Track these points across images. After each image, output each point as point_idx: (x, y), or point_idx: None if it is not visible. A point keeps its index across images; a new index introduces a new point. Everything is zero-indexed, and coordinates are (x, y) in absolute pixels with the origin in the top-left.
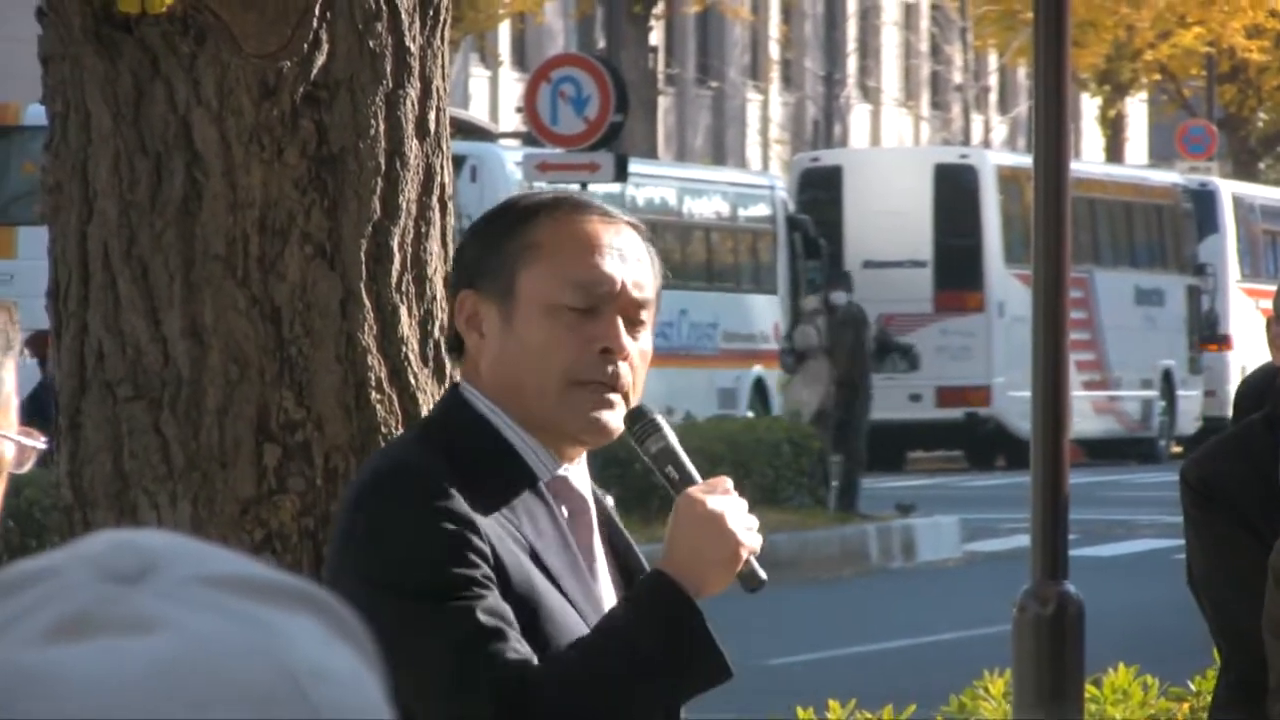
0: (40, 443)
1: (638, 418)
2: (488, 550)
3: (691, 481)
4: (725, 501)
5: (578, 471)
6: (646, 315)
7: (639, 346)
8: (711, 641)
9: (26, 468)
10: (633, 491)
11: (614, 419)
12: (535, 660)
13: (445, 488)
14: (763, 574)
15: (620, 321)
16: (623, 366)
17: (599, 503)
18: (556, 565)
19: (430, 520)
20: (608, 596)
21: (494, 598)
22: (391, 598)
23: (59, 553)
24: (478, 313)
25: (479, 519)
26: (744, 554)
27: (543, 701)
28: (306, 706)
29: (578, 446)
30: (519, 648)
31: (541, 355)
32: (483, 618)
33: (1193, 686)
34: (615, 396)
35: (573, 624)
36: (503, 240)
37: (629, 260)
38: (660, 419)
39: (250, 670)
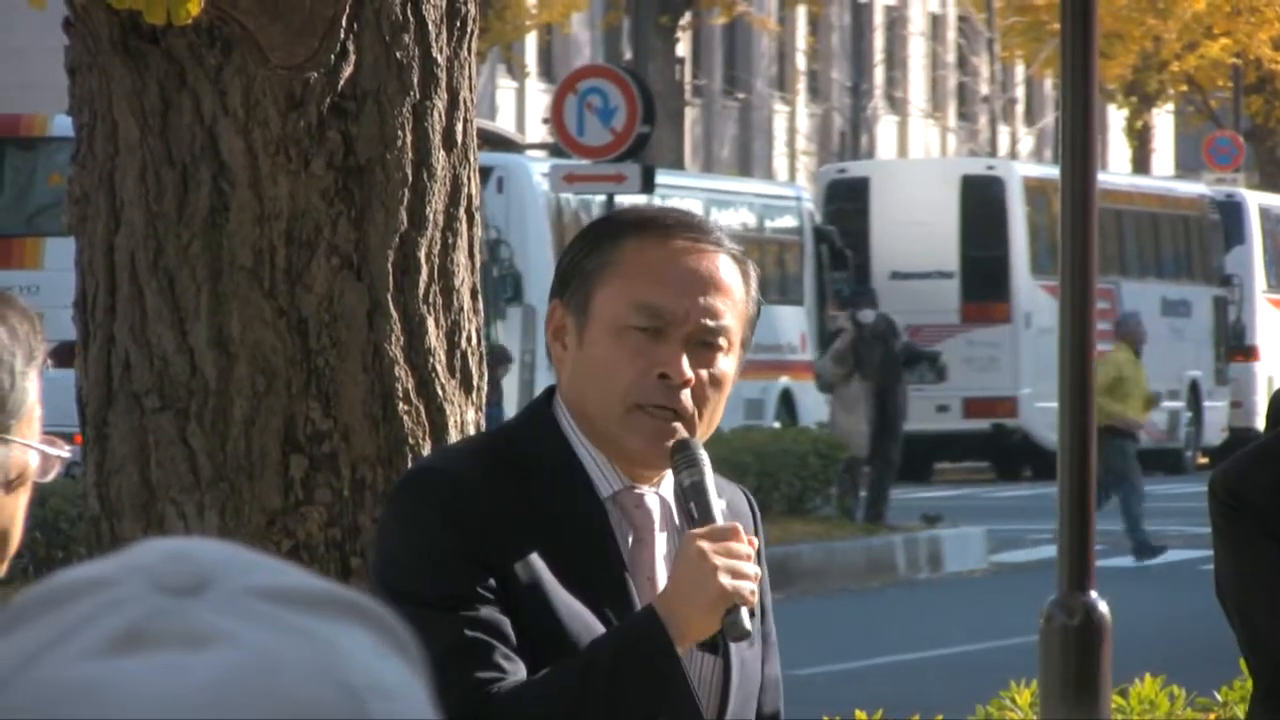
0: (64, 452)
1: (681, 449)
2: (500, 561)
3: (710, 520)
4: (721, 547)
5: (654, 494)
6: (724, 341)
7: (712, 372)
8: (682, 681)
9: (51, 477)
10: None
11: (670, 439)
12: (518, 677)
13: (468, 495)
14: (747, 625)
15: (685, 348)
16: (684, 393)
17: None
18: (598, 587)
19: (438, 527)
20: None
21: (489, 610)
22: (389, 595)
23: (110, 562)
24: (564, 325)
25: (501, 529)
26: (726, 601)
27: None
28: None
29: (646, 469)
30: (503, 664)
31: (606, 375)
32: (468, 631)
33: (1219, 697)
34: (677, 424)
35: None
36: (588, 255)
37: (707, 286)
38: (703, 455)
39: (310, 686)
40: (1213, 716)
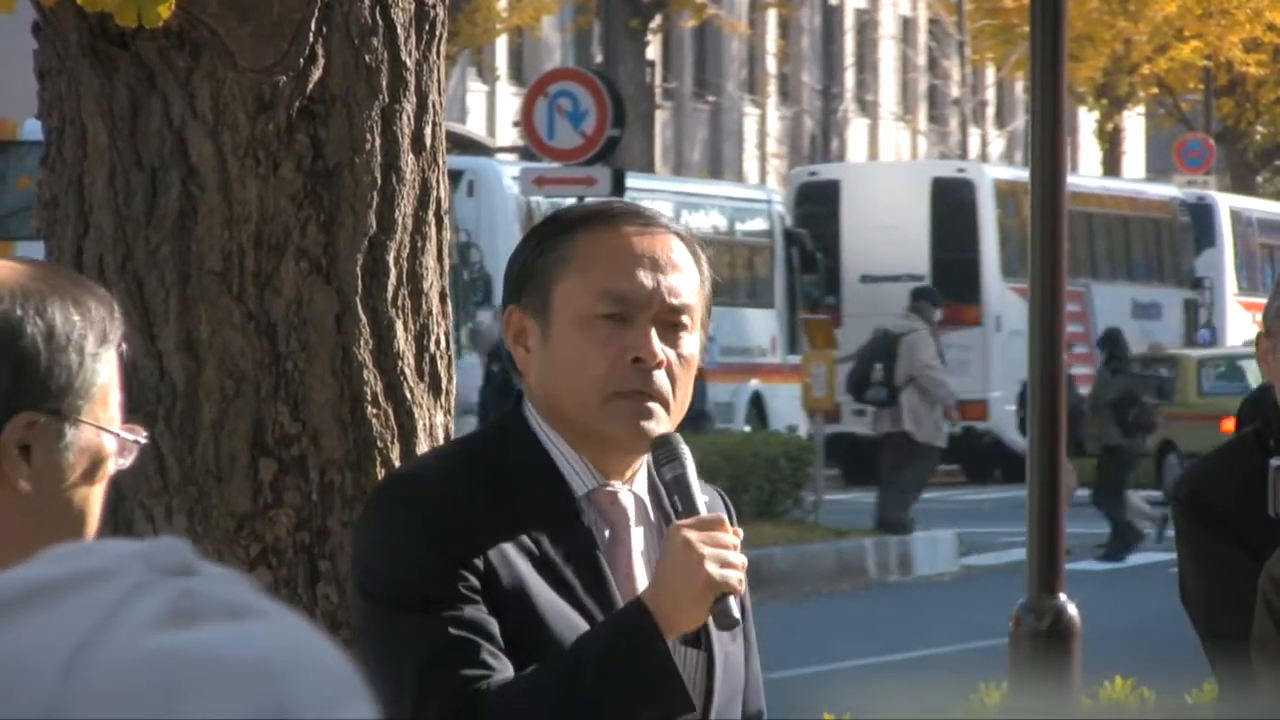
0: (141, 436)
1: (662, 444)
2: (480, 563)
3: (693, 513)
4: (708, 536)
5: (627, 490)
6: (687, 320)
7: (680, 352)
8: (673, 673)
9: (129, 461)
10: None
11: (656, 426)
12: (505, 674)
13: (447, 497)
14: (736, 614)
15: (653, 330)
16: (658, 374)
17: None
18: (577, 584)
19: (416, 531)
20: None
21: (474, 611)
22: (374, 603)
23: (88, 558)
24: (524, 328)
25: (480, 531)
26: (714, 589)
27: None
28: (357, 679)
29: (625, 459)
30: (490, 661)
31: (577, 368)
32: (453, 631)
33: (1189, 699)
34: (655, 405)
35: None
36: (541, 255)
37: (664, 267)
38: (684, 449)
39: (328, 644)
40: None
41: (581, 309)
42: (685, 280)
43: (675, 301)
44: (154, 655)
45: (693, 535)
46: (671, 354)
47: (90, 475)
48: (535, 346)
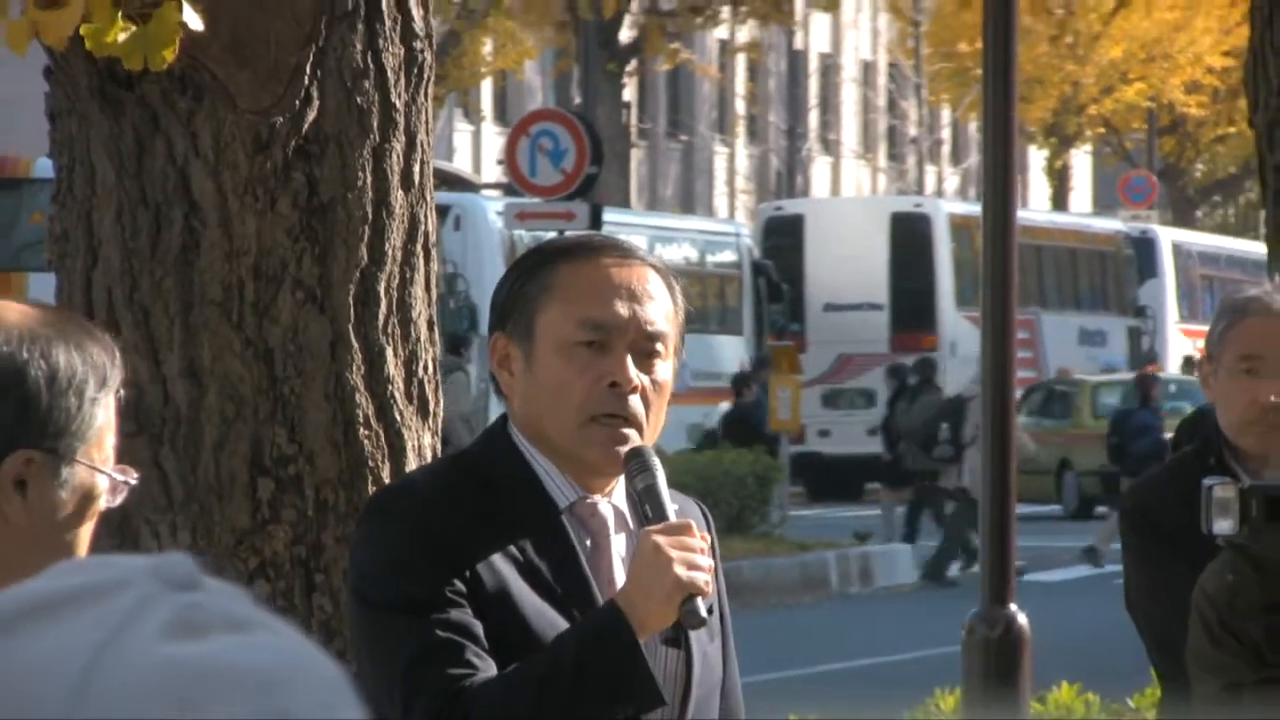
0: (133, 478)
1: (634, 456)
2: (467, 569)
3: (663, 519)
4: (676, 541)
5: (606, 502)
6: (661, 348)
7: (654, 378)
8: (644, 669)
9: (119, 500)
10: None
11: (624, 447)
12: (489, 673)
13: (435, 508)
14: (703, 613)
15: (629, 357)
16: (633, 399)
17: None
18: (560, 589)
19: (407, 537)
20: None
21: (460, 614)
22: (365, 606)
23: (100, 570)
24: (508, 354)
25: (466, 539)
26: (682, 590)
27: (475, 715)
28: (350, 686)
29: (602, 477)
30: (475, 661)
31: (558, 392)
32: (440, 633)
33: (1131, 703)
34: (629, 430)
35: None
36: (525, 284)
37: (640, 297)
38: (654, 460)
39: (325, 658)
40: None
41: (562, 336)
42: (659, 309)
43: (650, 329)
44: (166, 664)
45: (662, 540)
46: (646, 379)
47: (82, 512)
48: (519, 371)
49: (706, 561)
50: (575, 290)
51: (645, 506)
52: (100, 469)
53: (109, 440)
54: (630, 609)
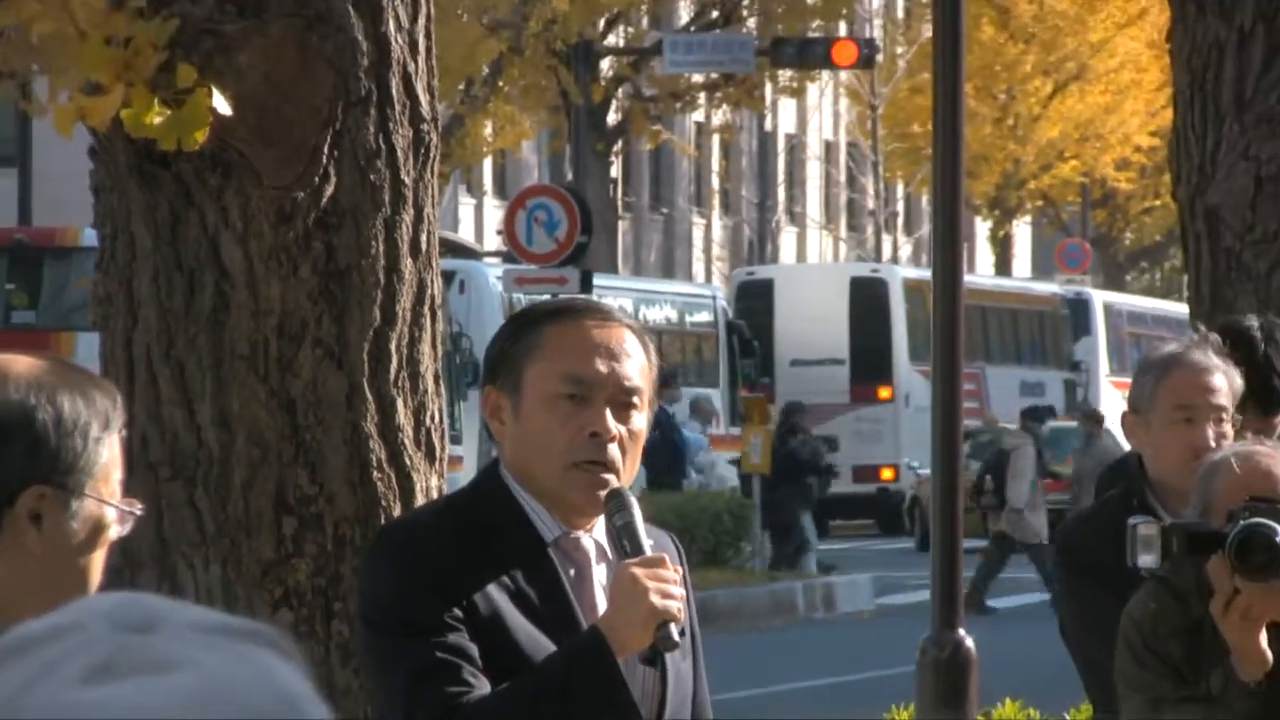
0: (138, 509)
1: (614, 496)
2: (463, 597)
3: (640, 554)
4: (652, 573)
5: (589, 536)
6: (637, 400)
7: (630, 428)
8: (623, 686)
9: (127, 529)
10: None
11: (603, 490)
12: (484, 691)
13: (435, 542)
14: (676, 638)
15: (608, 409)
16: (611, 447)
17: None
18: (548, 614)
19: (408, 570)
20: None
21: (457, 637)
22: (371, 632)
23: (69, 612)
24: (499, 405)
25: (462, 569)
26: (657, 617)
27: None
28: None
29: (584, 516)
30: (471, 680)
31: (545, 441)
32: (439, 654)
33: (1069, 717)
34: (608, 475)
35: None
36: (515, 343)
37: (618, 355)
38: (631, 500)
39: (260, 696)
40: None
41: (548, 390)
42: (635, 366)
43: (627, 384)
44: (65, 707)
45: (639, 572)
46: (623, 429)
47: (92, 541)
48: (509, 420)
49: (679, 591)
50: (560, 349)
51: (624, 541)
52: (107, 501)
53: (115, 475)
54: (611, 633)
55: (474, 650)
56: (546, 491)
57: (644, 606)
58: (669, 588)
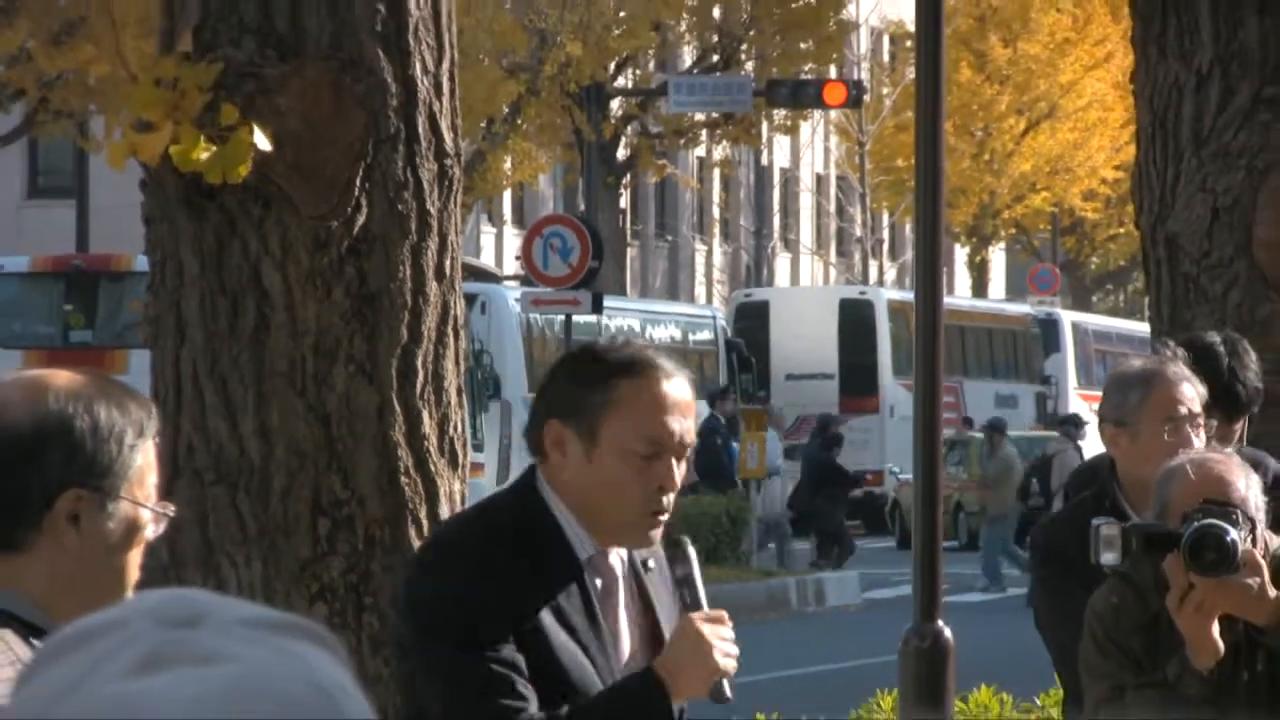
0: (170, 511)
1: (675, 545)
2: (512, 611)
3: (699, 606)
4: (715, 630)
5: (615, 554)
6: (690, 452)
7: (682, 472)
8: None
9: (161, 530)
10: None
11: (659, 534)
12: (534, 704)
13: (486, 559)
14: (729, 693)
15: (674, 463)
16: (671, 495)
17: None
18: (581, 627)
19: (462, 585)
20: (626, 656)
21: (508, 650)
22: (428, 638)
23: (118, 609)
24: (562, 439)
25: (511, 585)
26: (716, 674)
27: None
28: (339, 714)
29: (633, 549)
30: (524, 692)
31: (618, 489)
32: (493, 667)
33: (1039, 701)
34: (664, 517)
35: (588, 677)
36: (589, 391)
37: (685, 413)
38: (692, 552)
39: (298, 688)
40: (1034, 716)
41: (625, 446)
42: (693, 418)
43: (689, 440)
44: (114, 698)
45: (705, 629)
46: (678, 477)
47: (128, 541)
48: (574, 455)
49: (735, 649)
50: (637, 408)
51: (684, 592)
52: (142, 504)
53: (150, 479)
54: (671, 678)
55: (522, 662)
56: (605, 526)
57: (708, 663)
58: (730, 646)
